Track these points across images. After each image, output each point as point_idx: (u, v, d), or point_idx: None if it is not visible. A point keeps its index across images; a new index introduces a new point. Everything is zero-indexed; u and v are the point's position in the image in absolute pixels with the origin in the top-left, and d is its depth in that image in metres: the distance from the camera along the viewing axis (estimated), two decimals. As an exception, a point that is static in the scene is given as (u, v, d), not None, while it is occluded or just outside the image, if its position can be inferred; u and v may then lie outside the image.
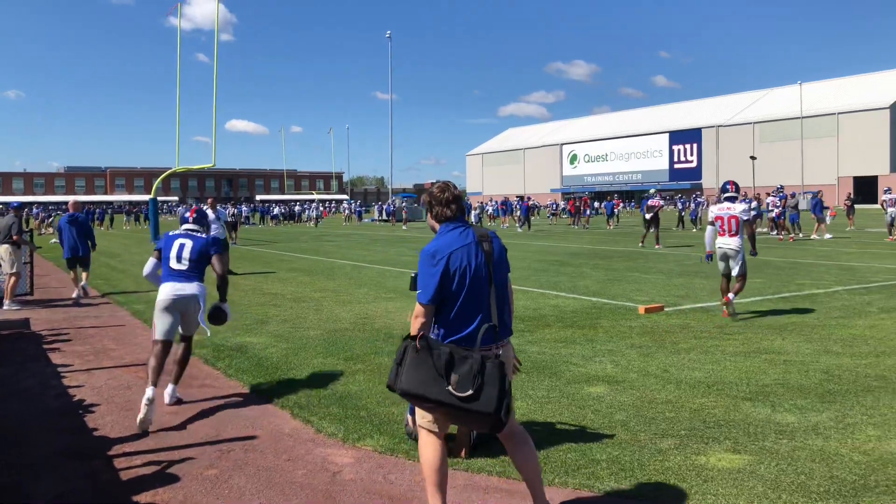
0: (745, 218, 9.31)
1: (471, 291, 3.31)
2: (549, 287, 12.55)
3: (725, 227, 9.37)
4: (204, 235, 6.17)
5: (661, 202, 23.81)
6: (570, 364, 6.78)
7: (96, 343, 8.42)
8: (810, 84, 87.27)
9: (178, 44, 27.61)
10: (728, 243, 9.36)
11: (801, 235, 25.65)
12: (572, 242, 25.92)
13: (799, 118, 78.61)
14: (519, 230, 35.82)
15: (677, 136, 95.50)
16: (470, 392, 3.09)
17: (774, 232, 26.49)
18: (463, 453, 4.40)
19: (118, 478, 4.25)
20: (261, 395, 5.98)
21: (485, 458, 4.40)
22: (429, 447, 3.40)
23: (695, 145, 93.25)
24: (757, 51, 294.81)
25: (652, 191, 31.55)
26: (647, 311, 9.64)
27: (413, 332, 3.32)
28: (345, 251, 23.21)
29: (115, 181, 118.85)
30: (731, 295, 9.26)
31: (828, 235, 24.63)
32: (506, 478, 4.12)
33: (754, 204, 9.09)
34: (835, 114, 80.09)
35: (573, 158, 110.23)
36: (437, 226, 3.51)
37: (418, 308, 3.33)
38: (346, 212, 59.25)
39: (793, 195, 27.46)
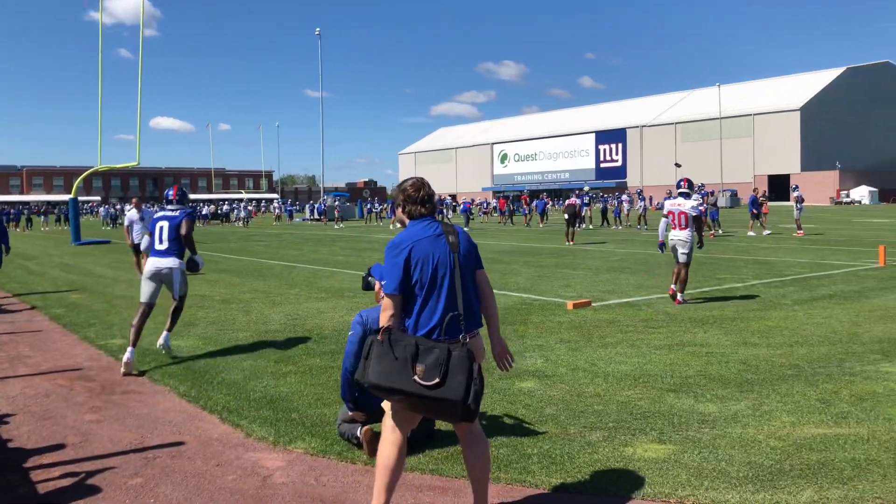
0: (694, 214, 10.15)
1: (434, 281, 3.31)
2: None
3: (676, 221, 10.24)
4: (177, 214, 7.27)
5: (578, 201, 24.92)
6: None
7: (11, 350, 8.04)
8: (728, 86, 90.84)
9: (99, 38, 26.56)
10: (679, 235, 10.22)
11: (720, 231, 26.66)
12: (503, 240, 26.21)
13: (717, 119, 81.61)
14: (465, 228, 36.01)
15: (603, 136, 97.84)
16: (437, 380, 3.12)
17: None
18: None
19: (35, 491, 4.07)
20: (188, 399, 5.83)
21: (417, 455, 4.41)
22: (389, 444, 3.38)
23: (620, 145, 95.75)
24: (678, 53, 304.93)
25: (586, 188, 32.38)
26: (576, 306, 9.84)
27: (383, 323, 3.33)
28: (275, 251, 22.83)
29: (32, 180, 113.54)
30: (674, 289, 10.12)
31: (751, 233, 25.69)
32: (438, 475, 4.14)
33: (696, 202, 9.82)
34: (751, 115, 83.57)
35: (503, 157, 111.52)
36: (407, 221, 3.52)
37: (386, 300, 3.34)
38: (277, 211, 58.27)
39: (712, 193, 28.52)
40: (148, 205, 52.10)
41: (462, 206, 40.73)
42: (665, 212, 10.48)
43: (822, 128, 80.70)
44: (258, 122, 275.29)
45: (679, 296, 10.09)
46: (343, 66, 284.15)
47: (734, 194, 73.68)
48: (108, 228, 47.63)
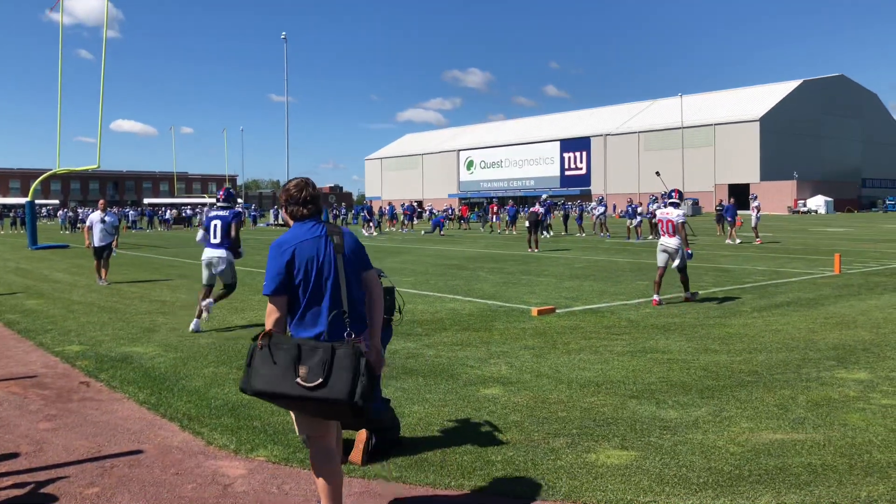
0: (679, 221, 10.86)
1: (318, 283, 3.28)
2: (446, 291, 12.66)
3: (665, 229, 11.01)
4: (227, 214, 9.03)
5: (541, 209, 25.49)
6: (466, 367, 6.86)
7: (-38, 357, 7.80)
8: (690, 96, 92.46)
9: (59, 39, 26.07)
10: (668, 242, 10.98)
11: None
12: (468, 247, 26.26)
13: (679, 128, 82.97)
14: (423, 234, 35.98)
15: (568, 144, 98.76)
16: (319, 381, 3.03)
17: (652, 237, 28.14)
18: (360, 460, 4.37)
19: (-13, 501, 3.96)
20: (147, 407, 5.72)
21: (382, 463, 4.38)
22: (318, 457, 3.33)
23: (584, 153, 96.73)
24: (640, 63, 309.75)
25: (543, 196, 32.86)
26: (540, 313, 9.90)
27: (268, 327, 3.26)
28: (238, 256, 22.53)
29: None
30: (686, 294, 10.96)
31: (737, 241, 26.01)
32: (403, 482, 4.12)
33: (682, 211, 10.86)
34: (712, 125, 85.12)
35: (469, 164, 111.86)
36: (291, 222, 3.48)
37: (269, 304, 3.29)
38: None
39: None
40: (111, 209, 50.89)
41: (432, 217, 40.52)
42: (655, 220, 11.01)
43: (781, 138, 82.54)
44: (221, 125, 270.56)
45: (686, 293, 10.95)
46: (308, 70, 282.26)
47: (696, 203, 74.90)
48: (67, 233, 46.58)
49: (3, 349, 8.21)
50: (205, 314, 9.02)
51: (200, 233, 9.24)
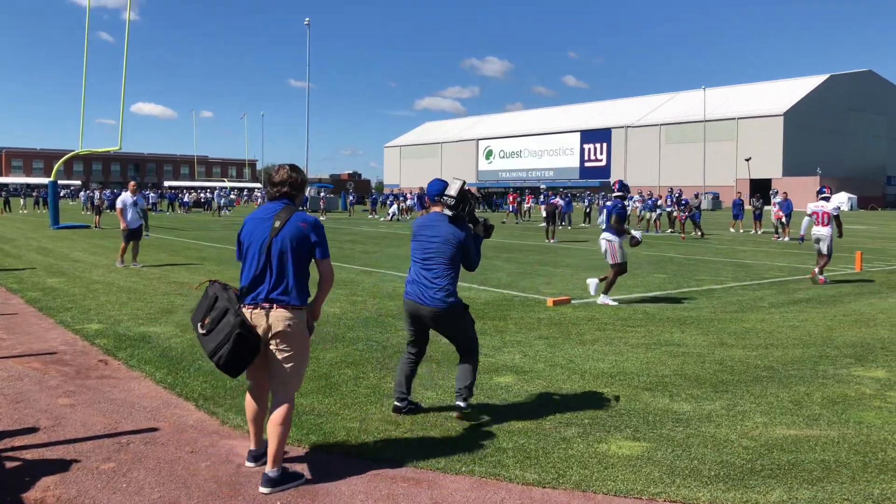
0: (835, 214, 12.67)
1: (250, 256, 3.91)
2: (462, 279, 12.64)
3: (819, 220, 12.73)
4: (611, 204, 10.53)
5: (561, 202, 25.97)
6: (480, 354, 6.85)
7: (-16, 332, 7.92)
8: (713, 89, 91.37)
9: (86, 20, 26.20)
10: (821, 231, 12.70)
11: (699, 234, 26.85)
12: (486, 236, 26.22)
13: (702, 121, 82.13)
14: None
15: (588, 136, 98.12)
16: (205, 332, 3.79)
17: (671, 231, 28.00)
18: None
19: (5, 473, 4.03)
20: (164, 386, 5.79)
21: (392, 447, 4.41)
22: (247, 396, 4.14)
23: (604, 144, 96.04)
24: (662, 55, 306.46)
25: (542, 187, 33.38)
26: (555, 303, 9.88)
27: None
28: (256, 240, 22.63)
29: (11, 162, 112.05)
30: (816, 270, 12.56)
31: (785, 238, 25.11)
32: (412, 467, 4.14)
33: (837, 204, 12.47)
34: (735, 118, 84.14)
35: (489, 154, 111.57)
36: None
37: None
38: (259, 200, 57.90)
39: (696, 196, 28.76)
40: (140, 191, 51.00)
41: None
42: (809, 212, 12.91)
43: (805, 133, 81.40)
44: (241, 110, 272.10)
45: (822, 276, 12.40)
46: (326, 56, 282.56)
47: (716, 197, 74.20)
48: (88, 213, 47.05)
49: (25, 325, 8.34)
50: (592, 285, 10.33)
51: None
